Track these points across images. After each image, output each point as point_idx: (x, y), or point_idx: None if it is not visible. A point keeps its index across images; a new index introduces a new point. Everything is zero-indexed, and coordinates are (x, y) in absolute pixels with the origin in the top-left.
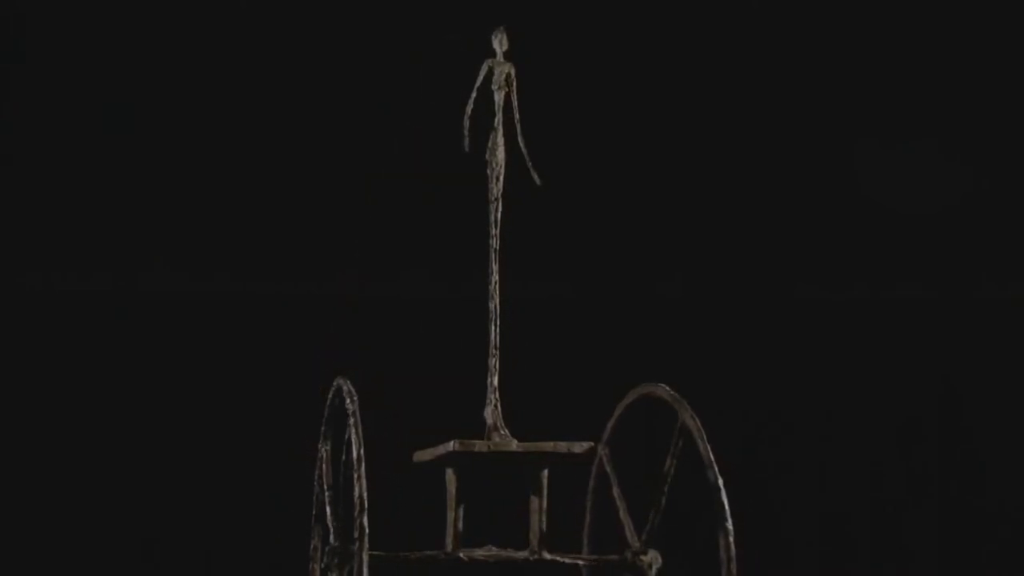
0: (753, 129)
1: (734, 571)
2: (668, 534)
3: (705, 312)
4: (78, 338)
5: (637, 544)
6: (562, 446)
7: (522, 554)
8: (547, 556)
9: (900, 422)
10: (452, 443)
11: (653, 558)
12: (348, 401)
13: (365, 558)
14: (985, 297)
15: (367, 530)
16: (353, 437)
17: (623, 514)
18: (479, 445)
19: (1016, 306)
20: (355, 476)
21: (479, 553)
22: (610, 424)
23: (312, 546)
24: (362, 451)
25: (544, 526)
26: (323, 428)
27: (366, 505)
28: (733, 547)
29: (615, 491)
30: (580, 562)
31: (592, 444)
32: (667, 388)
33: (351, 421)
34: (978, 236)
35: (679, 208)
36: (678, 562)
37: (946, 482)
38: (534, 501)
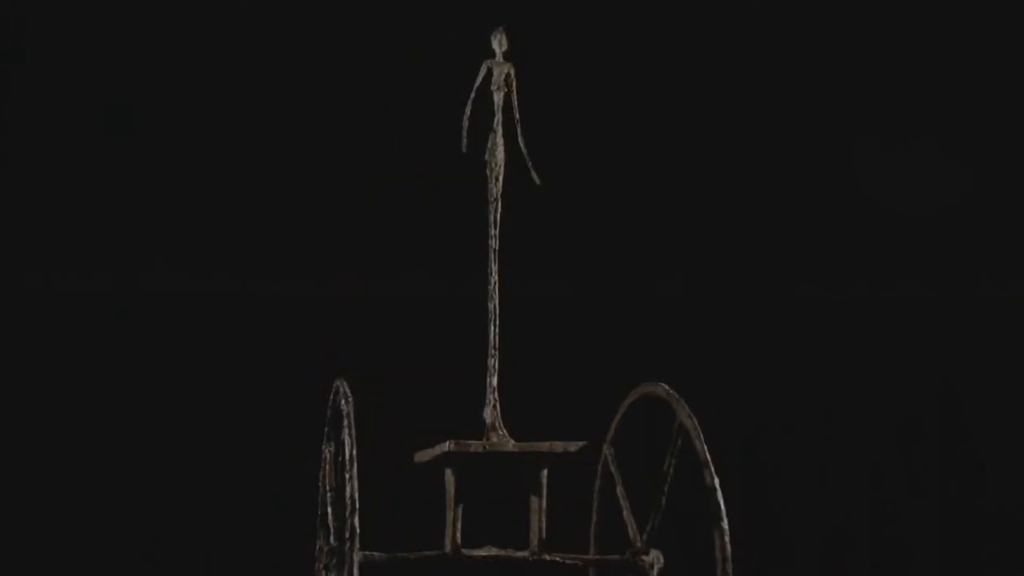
0: (753, 129)
1: (729, 571)
2: (674, 534)
3: (705, 312)
4: (78, 338)
5: (639, 544)
6: (558, 446)
7: (522, 554)
8: (547, 556)
9: (900, 422)
10: (448, 443)
11: (655, 558)
12: (343, 403)
13: (356, 559)
14: (985, 297)
15: (358, 531)
16: (346, 438)
17: (626, 514)
18: (475, 445)
19: (1016, 306)
20: (347, 477)
21: (479, 553)
22: (614, 424)
23: (318, 546)
24: (354, 452)
25: (544, 526)
26: (326, 430)
27: (357, 506)
28: (728, 547)
29: (619, 491)
30: (579, 562)
31: (586, 443)
32: (666, 387)
33: (345, 423)
34: (978, 236)
35: (679, 208)
36: (683, 562)
37: (946, 482)
38: (534, 501)
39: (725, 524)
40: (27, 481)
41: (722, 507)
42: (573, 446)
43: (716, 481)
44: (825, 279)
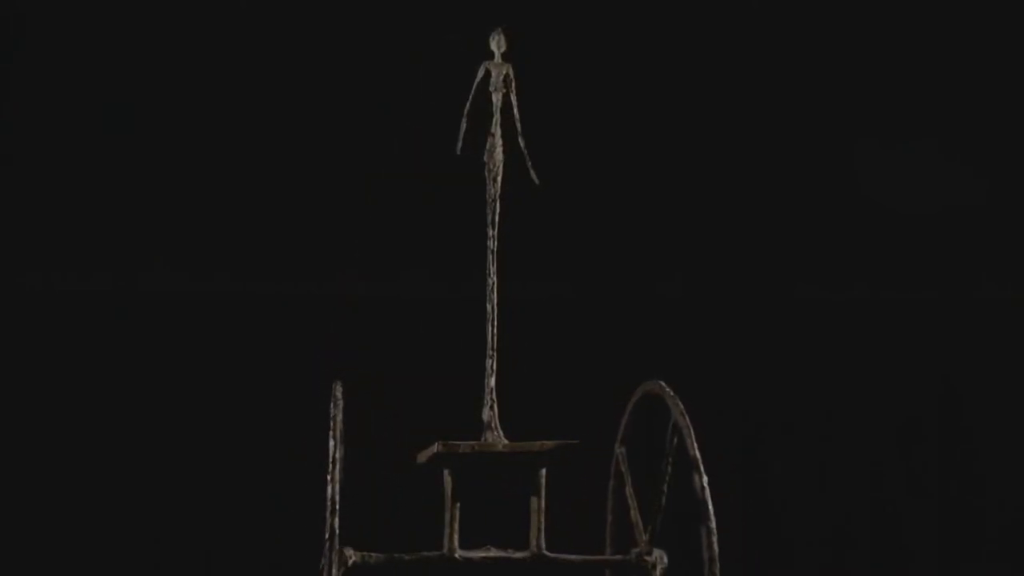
0: (753, 129)
1: (717, 572)
2: (677, 533)
3: (705, 312)
4: (78, 338)
5: (642, 543)
6: (548, 445)
7: (522, 554)
8: (548, 556)
9: (900, 422)
10: (436, 444)
11: (658, 557)
12: (332, 406)
13: (334, 559)
14: (985, 297)
15: (337, 532)
16: (331, 440)
17: (634, 513)
18: (463, 446)
19: (1016, 306)
20: (328, 478)
21: (479, 554)
22: (623, 423)
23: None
24: (338, 455)
25: (543, 526)
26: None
27: (337, 507)
28: (716, 547)
29: (627, 491)
30: (580, 562)
31: (577, 442)
32: (662, 384)
33: (332, 424)
34: (978, 236)
35: (679, 208)
36: (683, 562)
37: (946, 482)
38: (533, 501)
39: (713, 524)
40: (27, 481)
41: (710, 507)
42: (564, 445)
43: (705, 480)
44: (825, 279)
